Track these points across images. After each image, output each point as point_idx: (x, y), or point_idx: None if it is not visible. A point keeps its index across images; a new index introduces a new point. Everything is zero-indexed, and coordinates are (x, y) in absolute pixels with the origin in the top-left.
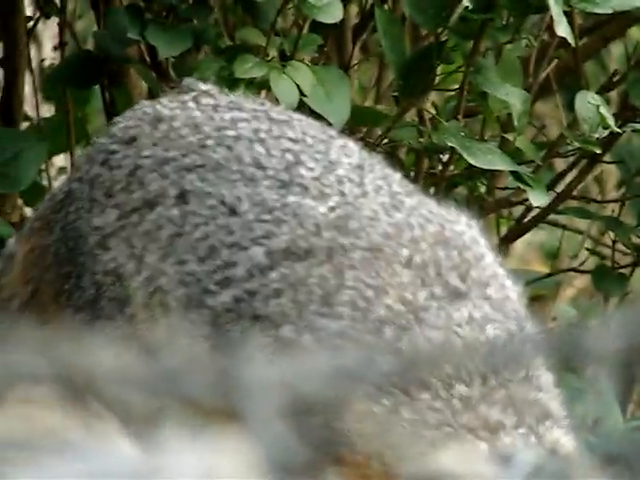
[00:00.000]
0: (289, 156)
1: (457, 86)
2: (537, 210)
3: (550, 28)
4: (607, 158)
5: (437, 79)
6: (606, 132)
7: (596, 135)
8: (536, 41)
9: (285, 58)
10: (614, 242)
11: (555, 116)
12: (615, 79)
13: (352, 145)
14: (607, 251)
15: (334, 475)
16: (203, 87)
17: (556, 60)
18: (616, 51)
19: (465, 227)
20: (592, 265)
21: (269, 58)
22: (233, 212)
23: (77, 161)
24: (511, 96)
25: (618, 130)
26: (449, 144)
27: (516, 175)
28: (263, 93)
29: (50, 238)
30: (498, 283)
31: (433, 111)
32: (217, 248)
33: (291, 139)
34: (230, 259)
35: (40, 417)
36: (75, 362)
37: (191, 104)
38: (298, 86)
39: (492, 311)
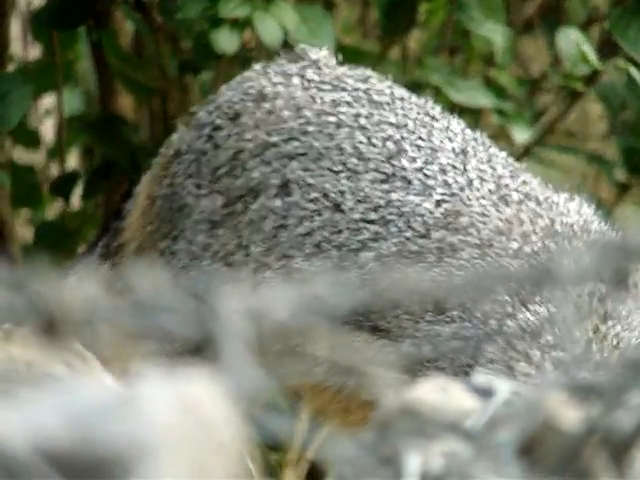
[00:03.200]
0: (391, 145)
1: (440, 24)
2: (520, 145)
3: None
4: (590, 95)
5: (420, 17)
6: (588, 69)
7: (578, 72)
8: None
9: None
10: (598, 178)
11: (538, 54)
12: (597, 16)
13: (455, 125)
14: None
15: (310, 403)
16: (314, 56)
17: None
18: None
19: (575, 216)
20: None
21: None
22: (337, 208)
23: (188, 121)
24: (493, 33)
25: (600, 67)
26: (433, 81)
27: (499, 111)
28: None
29: (159, 191)
30: None
31: (417, 48)
32: (325, 247)
33: (392, 124)
34: (340, 262)
35: (19, 354)
36: (53, 299)
37: (295, 80)
38: (283, 25)
39: None
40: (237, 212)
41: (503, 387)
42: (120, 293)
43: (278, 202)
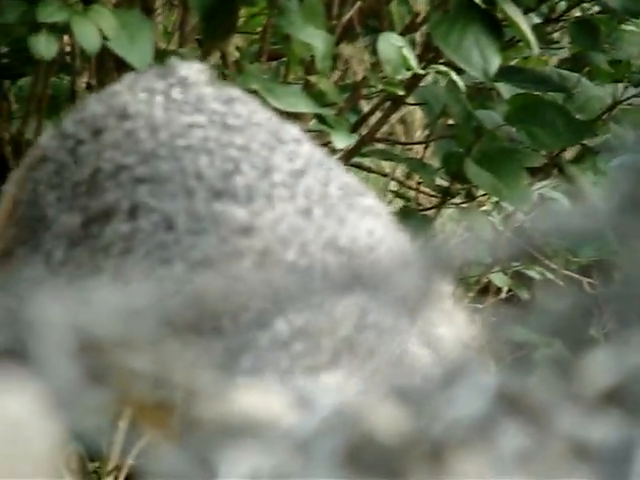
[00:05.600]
0: (229, 165)
1: (260, 29)
2: (341, 152)
3: None
4: (411, 100)
5: (240, 22)
6: (409, 74)
7: (399, 77)
8: None
9: (88, 2)
10: (419, 184)
11: (359, 58)
12: (418, 20)
13: (305, 150)
14: (413, 193)
15: (126, 416)
16: (184, 72)
17: (359, 2)
18: None
19: (364, 234)
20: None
21: (71, 2)
22: (170, 227)
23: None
24: (314, 38)
25: (421, 72)
26: (253, 87)
27: (319, 117)
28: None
29: (22, 195)
30: None
31: (237, 54)
32: (154, 266)
33: (237, 147)
34: (161, 276)
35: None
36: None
37: (159, 98)
38: (101, 30)
39: None
40: (93, 235)
41: (324, 395)
42: None
43: (126, 227)
